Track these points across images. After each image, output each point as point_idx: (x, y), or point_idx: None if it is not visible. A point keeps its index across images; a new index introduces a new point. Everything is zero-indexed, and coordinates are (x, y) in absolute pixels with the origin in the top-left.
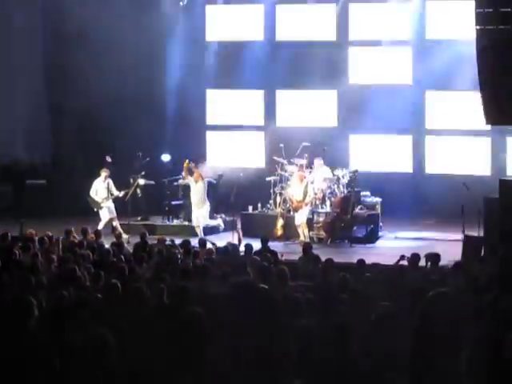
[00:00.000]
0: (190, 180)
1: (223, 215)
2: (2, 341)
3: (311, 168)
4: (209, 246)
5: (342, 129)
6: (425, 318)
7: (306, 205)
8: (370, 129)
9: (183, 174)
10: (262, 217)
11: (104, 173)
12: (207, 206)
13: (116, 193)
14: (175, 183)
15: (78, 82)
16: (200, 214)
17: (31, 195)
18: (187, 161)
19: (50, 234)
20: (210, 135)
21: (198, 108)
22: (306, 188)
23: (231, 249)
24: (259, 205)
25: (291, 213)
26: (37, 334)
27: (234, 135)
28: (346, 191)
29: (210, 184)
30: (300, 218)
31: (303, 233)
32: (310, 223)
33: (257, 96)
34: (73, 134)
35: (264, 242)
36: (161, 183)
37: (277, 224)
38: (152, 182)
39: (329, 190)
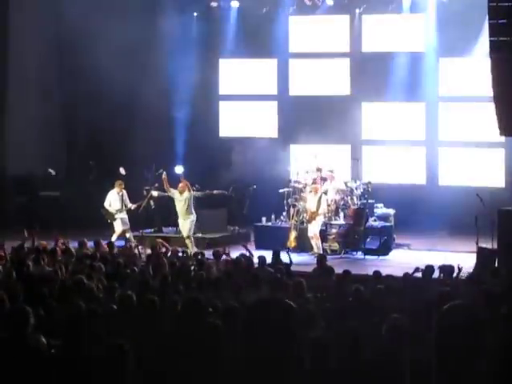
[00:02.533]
0: (173, 192)
1: (236, 227)
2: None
3: (324, 180)
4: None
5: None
6: (440, 331)
7: (319, 216)
8: (383, 140)
9: (164, 186)
10: (275, 229)
11: (118, 185)
12: (193, 218)
13: (129, 205)
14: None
15: (91, 94)
16: (184, 224)
17: (45, 207)
18: (164, 172)
19: (62, 243)
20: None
21: (211, 121)
22: (320, 200)
23: (244, 261)
24: (273, 216)
25: (304, 224)
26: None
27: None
28: (359, 203)
29: (222, 197)
30: (313, 230)
31: (316, 244)
32: (323, 235)
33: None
34: (86, 146)
35: (276, 255)
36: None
37: (290, 236)
38: (165, 194)
39: (342, 202)
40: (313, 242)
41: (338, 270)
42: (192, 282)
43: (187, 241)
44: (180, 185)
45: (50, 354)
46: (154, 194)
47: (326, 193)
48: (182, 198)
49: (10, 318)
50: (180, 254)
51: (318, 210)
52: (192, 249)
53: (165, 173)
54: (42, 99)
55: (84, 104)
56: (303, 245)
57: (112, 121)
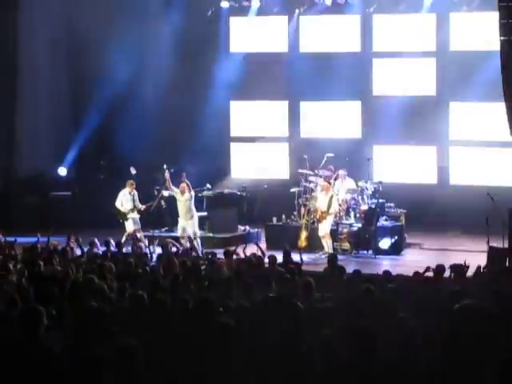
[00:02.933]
0: (176, 191)
1: (247, 227)
2: (12, 353)
3: (335, 179)
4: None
5: (366, 140)
6: (452, 331)
7: (330, 215)
8: (394, 140)
9: (167, 184)
10: (286, 228)
11: (130, 184)
12: (194, 220)
13: (139, 206)
14: (200, 194)
15: (101, 94)
16: (187, 225)
17: (56, 207)
18: (167, 171)
19: (73, 243)
20: (234, 147)
21: (223, 119)
22: (331, 199)
23: (255, 260)
24: (283, 216)
25: (315, 224)
26: (47, 346)
27: (258, 146)
28: (370, 202)
29: (233, 196)
30: (324, 229)
31: (327, 244)
32: (334, 234)
33: (281, 107)
34: (96, 146)
35: (287, 254)
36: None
37: (301, 235)
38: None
39: (353, 202)
40: (324, 242)
41: (349, 270)
42: (203, 281)
43: (194, 242)
44: (180, 185)
45: (61, 354)
46: (165, 193)
47: (337, 193)
48: (182, 199)
49: (23, 318)
50: (192, 254)
51: (328, 209)
52: (199, 250)
53: (168, 171)
54: (52, 99)
55: (94, 104)
56: (314, 244)
57: (122, 121)
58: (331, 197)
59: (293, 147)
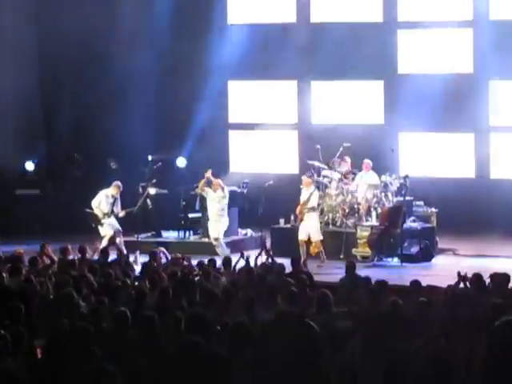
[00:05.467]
0: (207, 191)
1: (249, 230)
2: None
3: (354, 174)
4: (235, 262)
5: (389, 127)
6: (491, 350)
7: (311, 211)
8: (422, 126)
9: (200, 184)
10: (295, 231)
11: (116, 187)
12: (225, 221)
13: (117, 211)
14: (192, 192)
15: (73, 78)
16: (217, 228)
17: (22, 207)
18: (210, 170)
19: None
20: (233, 135)
21: (219, 103)
22: (311, 195)
23: (258, 270)
24: (292, 217)
25: (330, 226)
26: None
27: (261, 135)
28: (395, 200)
29: (233, 194)
30: (303, 232)
31: (303, 250)
32: (351, 238)
33: (289, 88)
34: (69, 136)
35: (296, 262)
36: (175, 192)
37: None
38: (165, 191)
39: (375, 199)
40: (302, 249)
41: (371, 281)
42: (197, 295)
43: (215, 243)
44: (213, 182)
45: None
46: (152, 191)
47: (354, 191)
48: (216, 197)
49: None
50: (182, 263)
51: (306, 203)
52: (220, 253)
53: (210, 170)
54: (17, 79)
55: (67, 88)
56: (330, 250)
57: (100, 106)
58: (312, 193)
59: (303, 136)
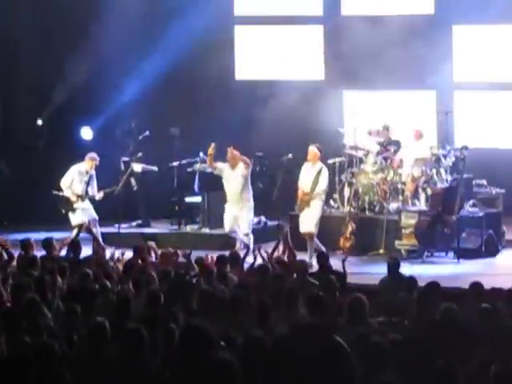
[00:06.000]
0: (221, 168)
1: (262, 218)
2: None
3: (397, 144)
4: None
5: (442, 91)
6: None
7: (316, 199)
8: (482, 84)
9: (207, 158)
10: (322, 219)
11: (90, 160)
12: (251, 205)
13: (94, 193)
14: (190, 169)
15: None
16: (242, 217)
17: None
18: (213, 145)
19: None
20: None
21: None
22: (319, 175)
23: (275, 268)
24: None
25: (366, 212)
26: None
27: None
28: (449, 179)
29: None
30: (308, 223)
31: (311, 248)
32: (394, 227)
33: None
34: (32, 96)
35: (323, 259)
36: (167, 170)
37: (345, 230)
38: (154, 169)
39: (424, 178)
40: (308, 244)
41: (420, 282)
42: (195, 301)
43: (246, 238)
44: (229, 155)
45: None
46: (137, 168)
47: (398, 166)
48: (235, 175)
49: None
50: (177, 260)
51: (314, 189)
52: (250, 245)
53: (214, 144)
54: None
55: (24, 39)
56: (366, 243)
57: (67, 59)
58: (320, 171)
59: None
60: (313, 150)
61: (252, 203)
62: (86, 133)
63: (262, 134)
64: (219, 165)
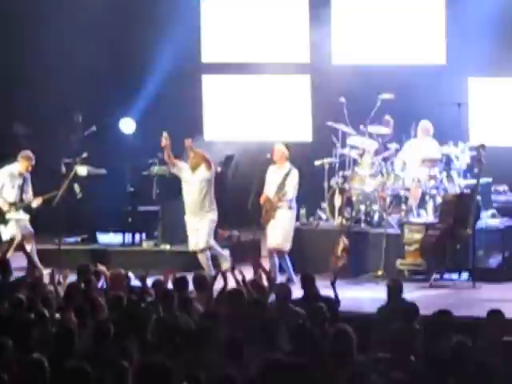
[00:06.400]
0: (181, 167)
1: (235, 232)
2: None
3: (399, 143)
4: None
5: (454, 67)
6: None
7: (283, 207)
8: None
9: (166, 156)
10: (307, 233)
11: (25, 160)
12: (213, 216)
13: (30, 200)
14: (145, 172)
15: None
16: (199, 229)
17: None
18: (165, 134)
19: None
20: (207, 81)
21: (188, 33)
22: (287, 178)
23: (252, 294)
24: (302, 211)
25: (361, 225)
26: None
27: (253, 81)
28: (463, 184)
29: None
30: (274, 237)
31: (268, 265)
32: (397, 241)
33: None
34: None
35: (309, 282)
36: (118, 173)
37: (336, 247)
38: (102, 172)
39: (433, 182)
40: (269, 260)
41: (427, 310)
42: (152, 334)
43: (201, 256)
44: (191, 155)
45: None
46: (81, 171)
47: (400, 169)
48: (195, 179)
49: None
50: (131, 283)
51: (280, 194)
52: (209, 269)
53: (166, 134)
54: None
55: None
56: (360, 263)
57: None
58: (288, 172)
59: (319, 82)
60: (279, 148)
61: (215, 215)
62: (19, 128)
63: None
64: (179, 163)
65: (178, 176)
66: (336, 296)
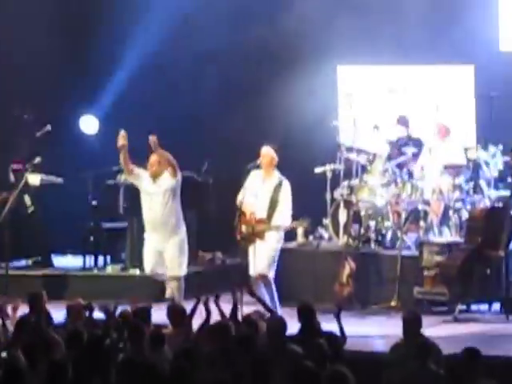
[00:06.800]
0: (140, 175)
1: (218, 254)
2: None
3: (418, 145)
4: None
5: None
6: None
7: (274, 229)
8: None
9: (121, 158)
10: (306, 256)
11: None
12: (182, 235)
13: None
14: (111, 182)
15: None
16: (168, 252)
17: None
18: (122, 132)
19: None
20: None
21: None
22: (280, 191)
23: (240, 329)
24: (299, 231)
25: (372, 245)
26: None
27: None
28: (494, 196)
29: (186, 182)
30: (261, 262)
31: (259, 298)
32: (413, 266)
33: None
34: None
35: (306, 313)
36: (78, 183)
37: (340, 272)
38: (58, 181)
39: (457, 194)
40: (261, 291)
41: (449, 349)
42: (118, 376)
43: (174, 285)
44: (152, 159)
45: None
46: (33, 180)
47: (419, 178)
48: (158, 189)
49: None
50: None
51: (272, 215)
52: (180, 297)
53: (124, 132)
54: None
55: None
56: (369, 291)
57: None
58: (279, 184)
59: None
60: (268, 152)
61: (183, 232)
62: None
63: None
64: (137, 170)
65: (136, 185)
66: (342, 331)
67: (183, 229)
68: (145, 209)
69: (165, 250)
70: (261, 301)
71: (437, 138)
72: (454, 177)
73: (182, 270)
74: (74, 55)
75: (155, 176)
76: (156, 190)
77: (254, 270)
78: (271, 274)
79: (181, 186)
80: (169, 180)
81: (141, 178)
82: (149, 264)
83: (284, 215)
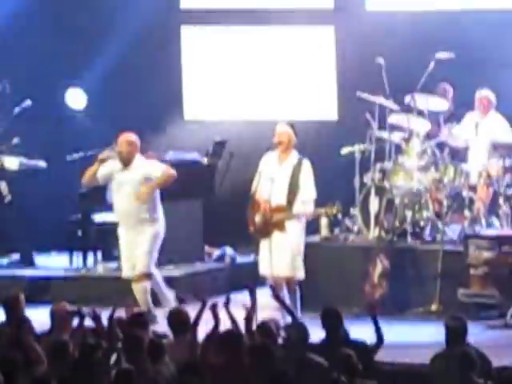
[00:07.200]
0: (110, 169)
1: (229, 249)
2: None
3: (451, 122)
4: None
5: None
6: None
7: (294, 219)
8: None
9: (92, 171)
10: (330, 252)
11: None
12: (158, 228)
13: None
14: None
15: None
16: (139, 246)
17: None
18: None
19: None
20: (187, 35)
21: None
22: (300, 173)
23: (256, 338)
24: (323, 222)
25: (408, 238)
26: None
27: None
28: None
29: (191, 168)
30: (285, 261)
31: (283, 302)
32: (457, 264)
33: None
34: None
35: (332, 320)
36: (63, 167)
37: (372, 271)
38: (40, 165)
39: (509, 178)
40: (284, 292)
41: (499, 359)
42: None
43: (136, 287)
44: (121, 139)
45: None
46: (11, 163)
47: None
48: (130, 178)
49: None
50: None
51: (292, 201)
52: (147, 304)
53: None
54: None
55: None
56: (405, 293)
57: None
58: (299, 164)
59: (346, 35)
60: (285, 130)
61: (159, 227)
62: None
63: None
64: (105, 169)
65: (108, 178)
66: (378, 332)
67: (159, 222)
68: (114, 200)
69: (136, 243)
70: (285, 306)
71: (478, 112)
72: (504, 158)
73: (146, 268)
74: (60, 19)
75: (126, 161)
76: (126, 178)
77: (271, 270)
78: (300, 276)
79: (183, 171)
80: (141, 167)
81: (111, 171)
82: (126, 264)
83: (306, 200)
